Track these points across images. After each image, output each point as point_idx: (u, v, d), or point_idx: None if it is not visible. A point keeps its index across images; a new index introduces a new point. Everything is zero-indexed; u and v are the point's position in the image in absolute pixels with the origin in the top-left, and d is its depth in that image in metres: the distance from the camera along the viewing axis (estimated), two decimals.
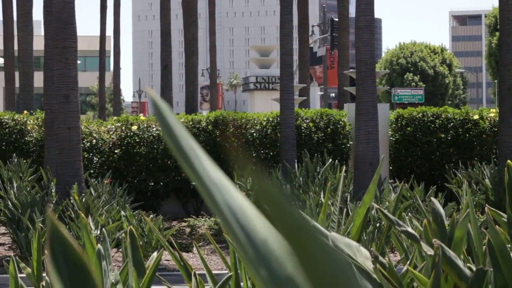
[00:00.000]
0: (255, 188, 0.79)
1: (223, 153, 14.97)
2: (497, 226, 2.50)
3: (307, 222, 0.78)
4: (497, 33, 61.31)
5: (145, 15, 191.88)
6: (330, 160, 13.15)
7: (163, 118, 0.86)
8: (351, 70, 17.38)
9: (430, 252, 2.26)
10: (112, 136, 15.34)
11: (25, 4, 21.80)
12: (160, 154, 15.12)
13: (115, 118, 16.28)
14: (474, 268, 2.30)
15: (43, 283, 3.46)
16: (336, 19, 35.79)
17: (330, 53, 50.54)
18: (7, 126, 15.39)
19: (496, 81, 73.71)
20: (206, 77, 75.64)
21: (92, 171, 14.52)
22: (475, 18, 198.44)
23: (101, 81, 37.59)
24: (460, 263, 2.26)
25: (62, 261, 0.89)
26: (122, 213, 10.78)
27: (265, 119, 15.79)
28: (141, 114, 28.95)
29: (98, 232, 9.82)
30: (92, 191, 11.56)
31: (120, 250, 9.86)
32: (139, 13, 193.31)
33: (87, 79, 70.98)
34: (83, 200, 10.85)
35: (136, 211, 11.46)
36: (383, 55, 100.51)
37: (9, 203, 11.18)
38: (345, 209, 9.15)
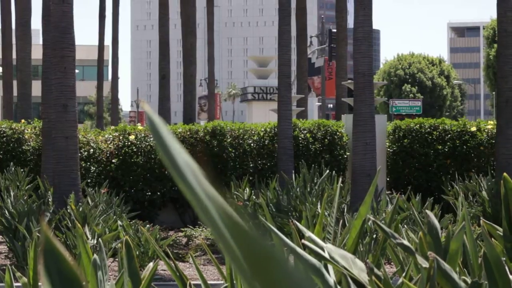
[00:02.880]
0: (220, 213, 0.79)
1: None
2: (492, 239, 2.50)
3: (271, 249, 0.78)
4: (495, 45, 61.35)
5: (143, 25, 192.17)
6: (328, 171, 13.14)
7: (157, 132, 0.87)
8: (349, 81, 17.39)
9: (425, 264, 2.26)
10: (110, 146, 15.34)
11: (24, 13, 21.83)
12: (158, 163, 15.12)
13: (112, 127, 16.27)
14: (469, 281, 2.30)
15: None
16: (334, 30, 35.85)
17: (328, 64, 50.62)
18: (4, 135, 15.39)
19: (494, 93, 73.74)
20: (204, 87, 75.65)
21: (89, 181, 14.51)
22: (473, 30, 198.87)
23: (99, 90, 37.63)
24: (455, 275, 2.26)
25: (55, 273, 0.90)
26: (119, 222, 10.77)
27: (262, 129, 15.79)
28: (138, 124, 28.96)
29: (95, 241, 9.80)
30: (89, 201, 11.55)
31: (117, 260, 9.85)
32: (138, 22, 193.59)
33: (85, 88, 71.04)
34: (80, 209, 10.83)
35: (133, 221, 11.45)
36: (381, 66, 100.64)
37: (6, 212, 11.17)
38: (341, 220, 9.13)
